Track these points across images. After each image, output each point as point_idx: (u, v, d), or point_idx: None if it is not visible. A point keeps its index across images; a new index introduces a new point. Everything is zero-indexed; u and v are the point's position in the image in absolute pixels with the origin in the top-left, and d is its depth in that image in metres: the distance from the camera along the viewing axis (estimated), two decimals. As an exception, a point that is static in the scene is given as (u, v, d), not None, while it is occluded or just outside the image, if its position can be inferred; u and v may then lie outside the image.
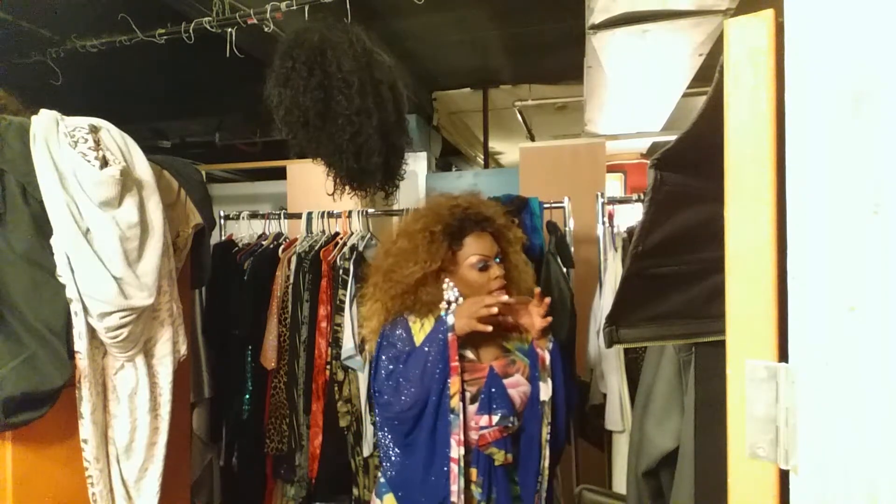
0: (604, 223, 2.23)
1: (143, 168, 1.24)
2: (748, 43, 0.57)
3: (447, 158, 5.09)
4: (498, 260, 1.35)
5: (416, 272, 1.32)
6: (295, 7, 2.16)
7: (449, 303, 1.34)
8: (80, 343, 1.12)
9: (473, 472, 1.27)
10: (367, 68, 1.86)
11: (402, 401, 1.26)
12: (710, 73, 0.64)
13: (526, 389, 1.29)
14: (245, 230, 2.35)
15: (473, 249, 1.32)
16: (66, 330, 1.11)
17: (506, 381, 1.28)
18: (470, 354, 1.32)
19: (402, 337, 1.35)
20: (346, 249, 2.03)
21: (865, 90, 0.49)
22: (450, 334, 1.26)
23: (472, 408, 1.26)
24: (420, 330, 1.37)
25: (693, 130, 0.73)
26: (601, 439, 2.22)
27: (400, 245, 1.38)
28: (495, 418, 1.23)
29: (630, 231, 2.24)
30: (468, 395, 1.27)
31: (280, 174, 3.65)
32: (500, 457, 1.26)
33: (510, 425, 1.24)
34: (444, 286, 1.34)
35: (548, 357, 1.31)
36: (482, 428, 1.24)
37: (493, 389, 1.26)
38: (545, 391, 1.29)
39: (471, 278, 1.32)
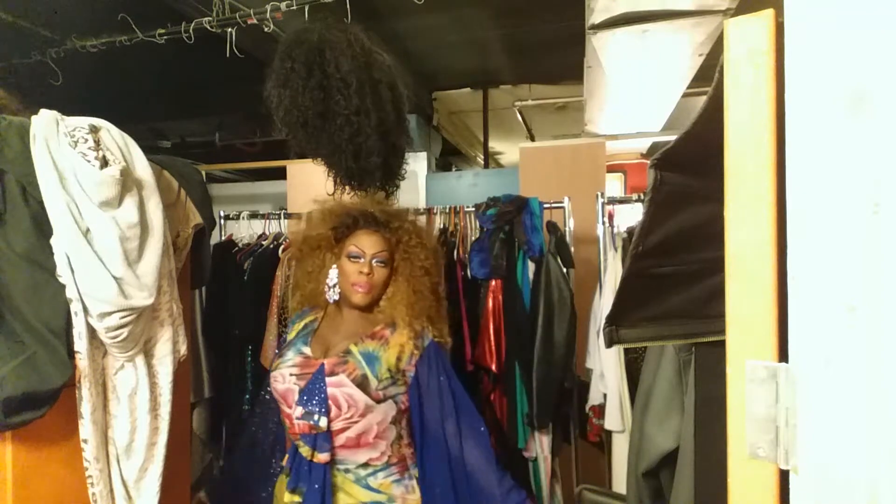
0: (604, 223, 2.23)
1: (143, 168, 1.24)
2: (748, 43, 0.57)
3: (447, 158, 5.09)
4: (379, 262, 1.39)
5: (306, 251, 1.46)
6: (295, 7, 2.16)
7: (328, 286, 1.43)
8: (80, 343, 1.11)
9: (286, 458, 1.35)
10: (366, 68, 1.86)
11: None
12: (710, 73, 0.64)
13: (351, 392, 1.30)
14: (245, 230, 2.35)
15: (354, 241, 1.41)
16: (66, 330, 1.11)
17: (329, 380, 1.31)
18: (308, 351, 1.38)
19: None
20: (346, 249, 2.03)
21: (865, 90, 0.49)
22: None
23: (295, 399, 1.32)
24: (293, 331, 1.47)
25: (693, 130, 0.73)
26: (601, 439, 2.22)
27: (304, 230, 1.51)
28: (303, 412, 1.29)
29: (630, 231, 2.24)
30: (297, 388, 1.33)
31: (280, 174, 3.65)
32: (305, 451, 1.30)
33: (314, 423, 1.27)
34: (331, 270, 1.44)
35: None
36: (296, 419, 1.29)
37: (314, 385, 1.31)
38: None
39: (342, 266, 1.41)
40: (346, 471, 1.33)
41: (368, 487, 1.33)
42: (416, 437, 1.39)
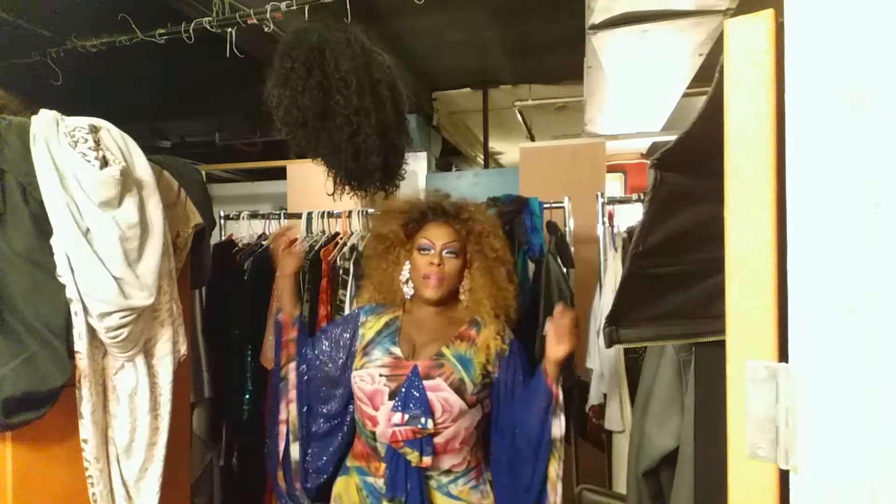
0: (604, 223, 2.23)
1: (143, 168, 1.24)
2: (748, 43, 0.57)
3: (447, 158, 5.09)
4: (449, 253, 1.37)
5: (380, 249, 1.44)
6: (295, 7, 2.16)
7: (402, 282, 1.43)
8: (80, 343, 1.11)
9: (381, 466, 1.32)
10: (366, 68, 1.86)
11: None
12: (710, 73, 0.64)
13: (447, 396, 1.28)
14: (245, 230, 2.35)
15: (424, 234, 1.39)
16: (66, 330, 1.11)
17: (426, 384, 1.29)
18: (397, 351, 1.35)
19: (338, 325, 1.48)
20: (346, 249, 2.03)
21: (865, 90, 0.49)
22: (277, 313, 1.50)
23: (390, 404, 1.28)
24: (370, 329, 1.42)
25: (693, 130, 0.73)
26: (601, 439, 2.22)
27: (375, 228, 1.51)
28: (406, 417, 1.25)
29: (630, 231, 2.24)
30: (388, 390, 1.30)
31: (280, 174, 3.65)
32: (413, 457, 1.26)
33: (421, 427, 1.25)
34: (404, 267, 1.43)
35: (561, 394, 1.30)
36: (395, 425, 1.26)
37: (411, 388, 1.28)
38: (557, 427, 1.29)
39: (414, 260, 1.39)
40: (429, 478, 1.32)
41: (449, 495, 1.32)
42: (492, 431, 1.38)
